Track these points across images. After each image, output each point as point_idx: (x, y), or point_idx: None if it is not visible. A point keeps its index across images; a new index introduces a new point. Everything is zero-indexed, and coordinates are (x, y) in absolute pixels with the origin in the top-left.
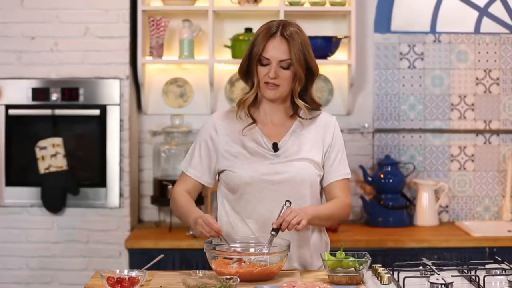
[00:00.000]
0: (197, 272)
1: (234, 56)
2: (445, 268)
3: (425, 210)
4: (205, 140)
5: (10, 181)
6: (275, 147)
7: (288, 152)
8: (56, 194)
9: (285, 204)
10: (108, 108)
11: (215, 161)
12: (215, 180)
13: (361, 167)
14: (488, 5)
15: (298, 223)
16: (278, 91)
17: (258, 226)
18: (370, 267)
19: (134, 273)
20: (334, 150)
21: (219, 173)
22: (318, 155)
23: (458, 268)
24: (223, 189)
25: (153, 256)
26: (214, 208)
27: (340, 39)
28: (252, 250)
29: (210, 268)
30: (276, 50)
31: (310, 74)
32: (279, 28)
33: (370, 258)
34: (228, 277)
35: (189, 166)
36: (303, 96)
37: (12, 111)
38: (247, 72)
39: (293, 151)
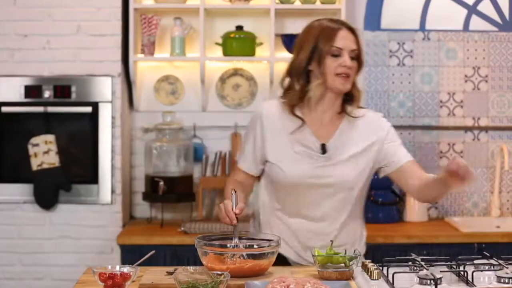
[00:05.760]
0: (188, 268)
1: (225, 53)
2: (434, 263)
3: (415, 206)
4: (253, 133)
5: (3, 178)
6: (323, 149)
7: (335, 154)
8: (49, 191)
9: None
10: (100, 105)
11: (262, 152)
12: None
13: None
14: (476, 3)
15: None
16: (349, 81)
17: (299, 226)
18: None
19: (126, 269)
20: (389, 141)
21: (266, 161)
22: (367, 155)
23: (447, 263)
24: (267, 183)
25: (144, 252)
26: (206, 204)
27: None
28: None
29: (201, 264)
30: (346, 40)
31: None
32: (340, 21)
33: (360, 254)
34: (219, 272)
35: (241, 159)
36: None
37: (4, 109)
38: (303, 70)
39: (340, 152)
